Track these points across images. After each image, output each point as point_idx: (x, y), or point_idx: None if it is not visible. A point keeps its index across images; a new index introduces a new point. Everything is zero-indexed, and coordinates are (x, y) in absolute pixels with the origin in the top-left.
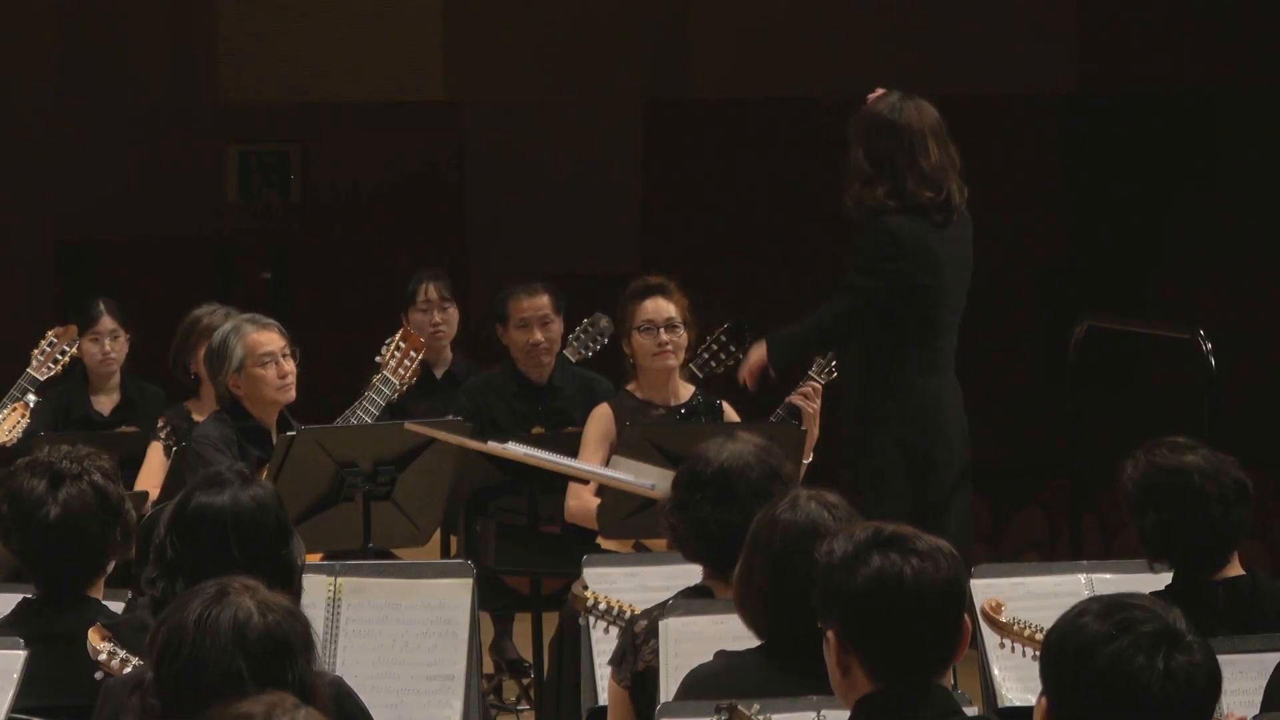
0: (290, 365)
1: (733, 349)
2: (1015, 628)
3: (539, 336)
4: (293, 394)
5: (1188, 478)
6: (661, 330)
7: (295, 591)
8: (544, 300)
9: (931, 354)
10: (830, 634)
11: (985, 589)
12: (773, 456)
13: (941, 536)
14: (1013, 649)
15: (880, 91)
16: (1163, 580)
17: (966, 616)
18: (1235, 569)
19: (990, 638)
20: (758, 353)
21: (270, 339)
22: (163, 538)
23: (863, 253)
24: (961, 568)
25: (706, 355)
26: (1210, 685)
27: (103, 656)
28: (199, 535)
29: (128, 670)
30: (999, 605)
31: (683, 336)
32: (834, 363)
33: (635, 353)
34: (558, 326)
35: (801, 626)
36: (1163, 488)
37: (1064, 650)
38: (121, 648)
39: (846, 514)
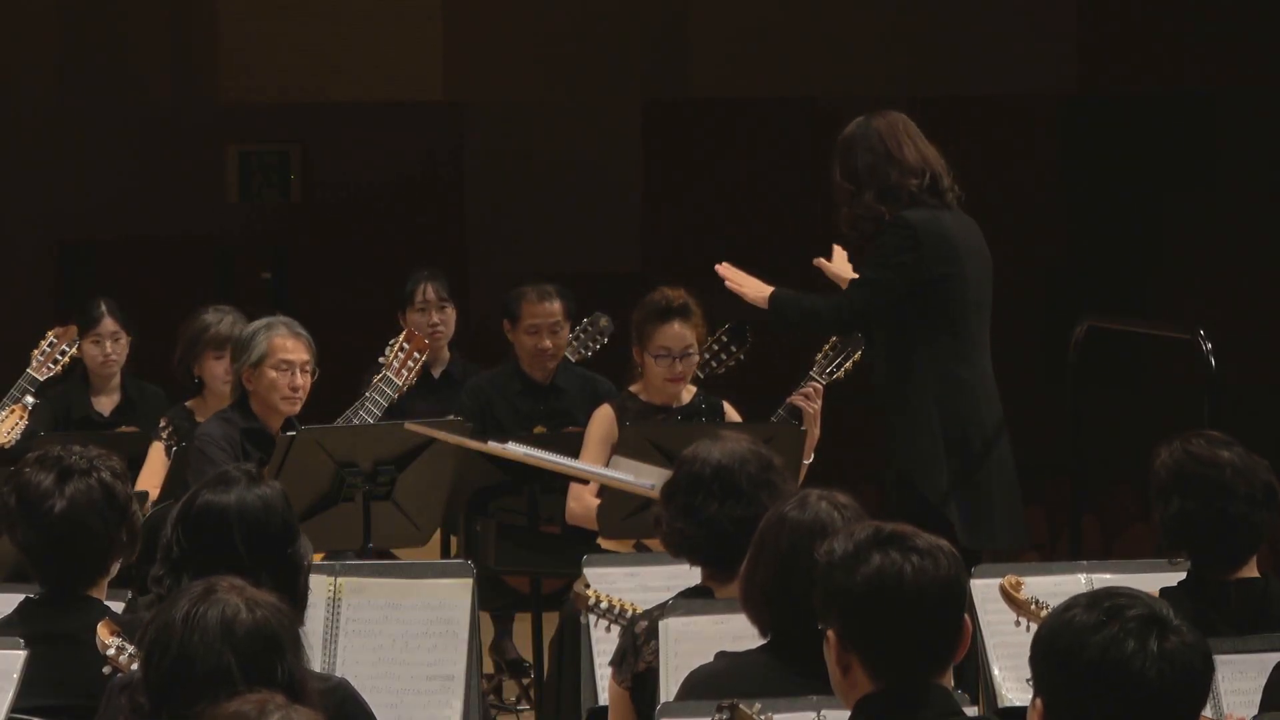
0: (304, 380)
1: (733, 349)
2: (1033, 607)
3: (548, 343)
4: (297, 409)
5: (1219, 471)
6: (677, 361)
7: (301, 592)
8: (557, 307)
9: (960, 344)
10: (830, 633)
11: (985, 589)
12: (763, 447)
13: (987, 520)
14: (1027, 627)
15: (843, 137)
16: (1174, 578)
17: (966, 616)
18: (1251, 571)
19: (991, 637)
20: (757, 289)
21: (295, 348)
22: (169, 536)
23: (880, 247)
24: (962, 567)
25: (707, 355)
26: (1205, 668)
27: (111, 651)
28: (205, 534)
29: (135, 666)
30: (1018, 583)
31: (695, 362)
32: (835, 364)
33: (646, 369)
34: (566, 333)
35: (804, 626)
36: (1192, 477)
37: (1054, 646)
38: (129, 644)
39: (856, 514)
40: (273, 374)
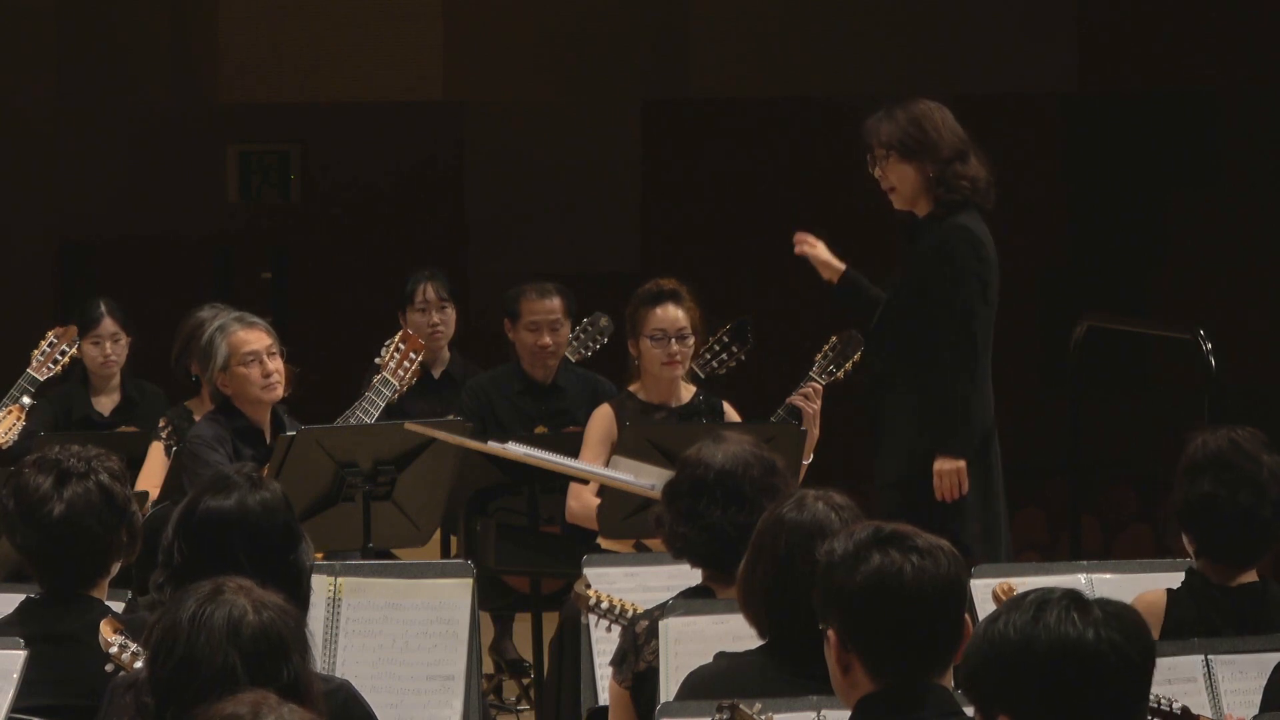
0: (276, 364)
1: (734, 349)
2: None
3: (547, 340)
4: (279, 392)
5: (1258, 469)
6: (673, 341)
7: (304, 595)
8: (556, 304)
9: (988, 360)
10: (830, 633)
11: (985, 589)
12: (765, 450)
13: (998, 538)
14: None
15: (922, 105)
16: (1174, 579)
17: (967, 616)
18: (1250, 577)
19: None
20: (948, 465)
21: (254, 338)
22: (170, 541)
23: (948, 260)
24: (963, 566)
25: (709, 355)
26: (1143, 623)
27: (114, 649)
28: (206, 540)
29: (138, 664)
30: (1011, 589)
31: (691, 345)
32: (835, 363)
33: (643, 357)
34: (566, 330)
35: (803, 626)
36: (1231, 465)
37: (999, 655)
38: (132, 641)
39: (853, 515)
40: (243, 371)
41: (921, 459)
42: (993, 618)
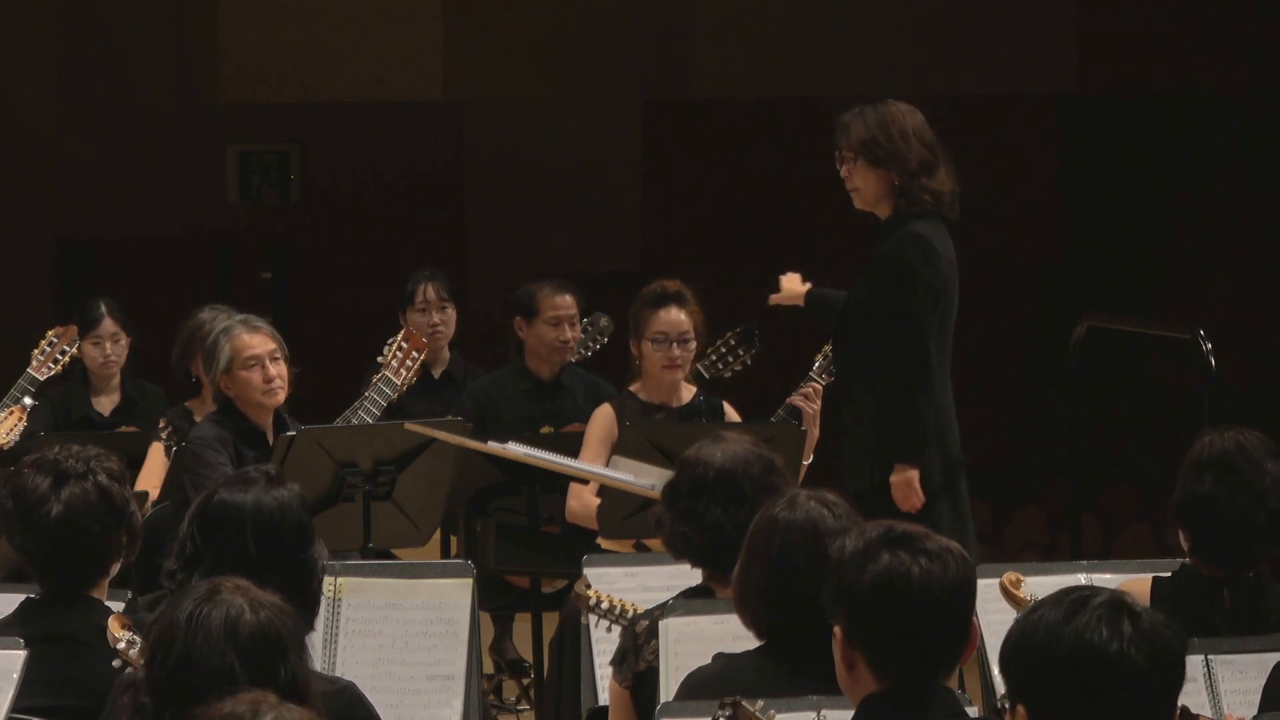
0: (278, 369)
1: (740, 353)
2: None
3: (569, 334)
4: (281, 397)
5: (1261, 475)
6: (674, 345)
7: (313, 596)
8: (573, 299)
9: (945, 363)
10: (837, 629)
11: (985, 589)
12: (765, 449)
13: (966, 537)
14: None
15: (894, 110)
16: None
17: (975, 619)
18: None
19: (991, 637)
20: (902, 476)
21: (258, 342)
22: (184, 531)
23: (901, 268)
24: (971, 570)
25: (714, 358)
26: (1181, 646)
27: (121, 645)
28: (218, 531)
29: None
30: (1018, 580)
31: (693, 349)
32: (835, 364)
33: (643, 358)
34: (579, 327)
35: (800, 625)
36: (1234, 468)
37: (1028, 647)
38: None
39: (846, 512)
40: (245, 374)
41: (881, 470)
42: (1035, 607)
